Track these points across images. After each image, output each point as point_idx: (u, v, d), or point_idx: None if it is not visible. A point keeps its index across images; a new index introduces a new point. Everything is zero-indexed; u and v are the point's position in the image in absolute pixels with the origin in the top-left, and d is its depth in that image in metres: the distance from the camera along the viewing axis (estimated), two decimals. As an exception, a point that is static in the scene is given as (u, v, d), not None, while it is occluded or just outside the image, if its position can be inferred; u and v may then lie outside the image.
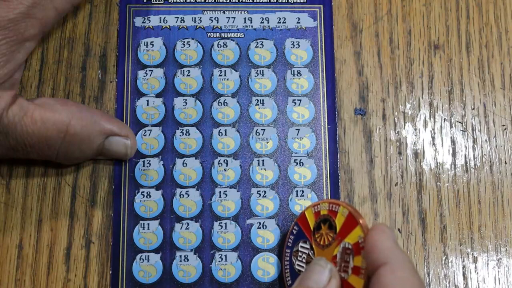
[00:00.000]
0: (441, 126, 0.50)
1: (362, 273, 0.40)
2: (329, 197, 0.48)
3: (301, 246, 0.45)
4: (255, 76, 0.50)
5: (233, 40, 0.51)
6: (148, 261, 0.47)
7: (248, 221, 0.48)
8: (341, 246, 0.42)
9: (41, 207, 0.48)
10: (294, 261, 0.45)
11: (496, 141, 0.50)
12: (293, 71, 0.51)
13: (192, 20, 0.51)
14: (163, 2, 0.51)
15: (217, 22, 0.51)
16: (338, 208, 0.43)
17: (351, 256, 0.42)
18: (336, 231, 0.43)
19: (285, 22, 0.51)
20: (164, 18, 0.51)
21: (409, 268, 0.39)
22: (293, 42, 0.51)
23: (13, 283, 0.46)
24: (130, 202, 0.48)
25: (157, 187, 0.48)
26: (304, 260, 0.44)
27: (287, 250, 0.46)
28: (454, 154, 0.50)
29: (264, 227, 0.48)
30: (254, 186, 0.49)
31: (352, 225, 0.42)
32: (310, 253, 0.44)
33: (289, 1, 0.52)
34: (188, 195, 0.48)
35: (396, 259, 0.39)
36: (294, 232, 0.46)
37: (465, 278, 0.48)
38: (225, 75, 0.50)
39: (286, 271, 0.45)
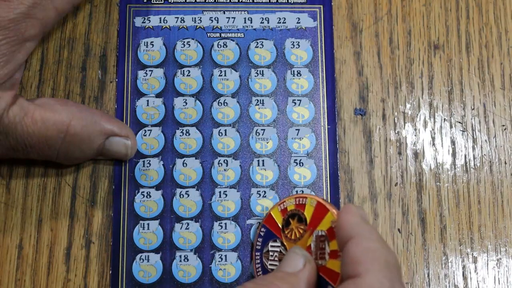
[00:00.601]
0: (441, 126, 0.50)
1: (340, 255, 0.40)
2: (329, 198, 0.48)
3: (271, 246, 0.45)
4: (255, 76, 0.50)
5: (233, 40, 0.51)
6: (148, 261, 0.47)
7: (248, 221, 0.48)
8: (314, 235, 0.43)
9: (41, 207, 0.48)
10: (265, 262, 0.45)
11: (496, 141, 0.50)
12: (293, 71, 0.51)
13: (192, 20, 0.51)
14: (163, 2, 0.51)
15: (217, 22, 0.51)
16: (305, 200, 0.44)
17: (326, 242, 0.42)
18: (307, 222, 0.43)
19: (285, 22, 0.51)
20: (164, 18, 0.51)
21: (375, 239, 0.39)
22: (293, 42, 0.51)
23: (13, 283, 0.47)
24: (130, 202, 0.48)
25: (157, 187, 0.48)
26: (276, 258, 0.44)
27: (256, 254, 0.46)
28: (454, 154, 0.50)
29: (264, 227, 0.48)
30: (254, 186, 0.49)
31: (323, 212, 0.43)
32: (281, 250, 0.44)
33: (289, 1, 0.52)
34: (188, 195, 0.48)
35: (361, 232, 0.39)
36: (262, 234, 0.46)
37: (465, 278, 0.48)
38: (225, 75, 0.50)
39: (258, 274, 0.45)
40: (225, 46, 0.51)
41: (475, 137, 0.50)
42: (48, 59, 0.50)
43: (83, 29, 0.51)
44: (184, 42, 0.51)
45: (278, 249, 0.45)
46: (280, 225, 0.45)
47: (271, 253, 0.45)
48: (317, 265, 0.42)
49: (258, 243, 0.46)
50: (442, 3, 0.52)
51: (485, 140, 0.50)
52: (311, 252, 0.42)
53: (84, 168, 0.48)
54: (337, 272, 0.41)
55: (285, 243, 0.44)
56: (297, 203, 0.44)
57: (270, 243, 0.45)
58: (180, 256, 0.47)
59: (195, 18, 0.51)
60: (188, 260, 0.47)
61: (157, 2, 0.51)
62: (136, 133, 0.49)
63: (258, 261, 0.45)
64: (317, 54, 0.51)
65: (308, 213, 0.43)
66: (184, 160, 0.49)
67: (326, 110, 0.50)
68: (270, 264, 0.45)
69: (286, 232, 0.44)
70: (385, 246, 0.39)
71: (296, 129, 0.50)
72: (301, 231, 0.43)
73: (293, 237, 0.44)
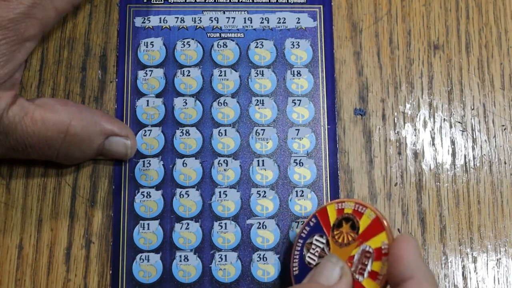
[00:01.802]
0: (440, 126, 0.50)
1: (379, 278, 0.41)
2: (329, 197, 0.48)
3: (316, 239, 0.45)
4: (255, 76, 0.50)
5: (233, 40, 0.51)
6: (148, 261, 0.47)
7: (248, 221, 0.48)
8: (361, 248, 0.42)
9: (41, 207, 0.48)
10: (305, 252, 0.45)
11: (495, 141, 0.50)
12: (293, 71, 0.51)
13: (192, 20, 0.51)
14: (163, 2, 0.51)
15: (217, 22, 0.51)
16: (364, 210, 0.43)
17: (370, 260, 0.41)
18: (358, 232, 0.43)
19: (285, 22, 0.51)
20: (164, 18, 0.51)
21: (432, 282, 0.39)
22: (293, 42, 0.51)
23: (13, 283, 0.47)
24: (130, 202, 0.48)
25: (157, 187, 0.48)
26: (317, 254, 0.44)
27: (299, 241, 0.45)
28: (453, 154, 0.50)
29: (264, 227, 0.48)
30: (254, 186, 0.49)
31: (377, 229, 0.42)
32: (325, 248, 0.44)
33: (289, 1, 0.52)
34: (188, 195, 0.48)
35: (422, 274, 0.39)
36: (311, 224, 0.45)
37: (464, 278, 0.48)
38: (225, 75, 0.50)
39: (294, 260, 0.45)
40: (225, 46, 0.51)
41: (474, 137, 0.50)
42: (48, 59, 0.50)
43: (83, 29, 0.51)
44: (184, 42, 0.51)
45: (321, 246, 0.44)
46: (331, 223, 0.44)
47: (313, 246, 0.44)
48: (353, 279, 0.41)
49: (304, 231, 0.45)
50: (442, 3, 0.52)
51: (485, 140, 0.50)
52: (352, 263, 0.42)
53: (84, 168, 0.48)
54: None
55: (330, 243, 0.44)
56: (355, 209, 0.43)
57: (316, 237, 0.45)
58: (180, 256, 0.47)
59: (195, 18, 0.51)
60: (188, 260, 0.47)
61: (157, 2, 0.51)
62: (136, 133, 0.49)
63: (299, 248, 0.45)
64: (317, 54, 0.51)
65: (363, 224, 0.43)
66: (184, 160, 0.49)
67: (326, 110, 0.50)
68: (309, 257, 0.44)
69: (335, 233, 0.44)
70: None
71: (296, 129, 0.50)
72: (350, 238, 0.43)
73: (340, 241, 0.43)
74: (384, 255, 0.41)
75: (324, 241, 0.44)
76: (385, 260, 0.41)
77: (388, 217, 0.48)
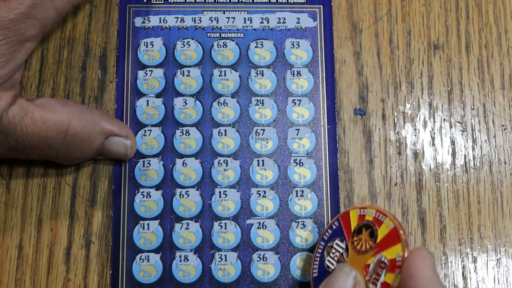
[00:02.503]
0: (440, 126, 0.50)
1: None
2: (329, 197, 0.48)
3: (337, 244, 0.45)
4: (255, 76, 0.50)
5: (233, 40, 0.51)
6: (148, 261, 0.47)
7: (248, 221, 0.48)
8: (377, 258, 0.42)
9: (41, 207, 0.48)
10: (325, 256, 0.45)
11: (495, 141, 0.50)
12: (293, 71, 0.51)
13: (192, 20, 0.51)
14: (163, 2, 0.51)
15: (217, 22, 0.51)
16: (384, 218, 0.43)
17: (384, 270, 0.41)
18: (376, 241, 0.42)
19: (285, 22, 0.51)
20: (164, 18, 0.51)
21: None
22: (293, 42, 0.51)
23: (13, 283, 0.47)
24: (130, 202, 0.48)
25: (157, 187, 0.48)
26: (336, 258, 0.44)
27: (321, 243, 0.45)
28: (453, 154, 0.50)
29: (264, 227, 0.48)
30: (254, 186, 0.49)
31: (394, 240, 0.41)
32: (344, 254, 0.44)
33: (289, 1, 0.52)
34: (188, 195, 0.48)
35: None
36: (334, 227, 0.45)
37: (464, 278, 0.48)
38: (225, 75, 0.50)
39: (315, 262, 0.45)
40: (225, 46, 0.51)
41: (474, 137, 0.50)
42: (48, 59, 0.50)
43: (83, 29, 0.51)
44: (184, 42, 0.51)
45: (341, 251, 0.44)
46: (352, 229, 0.44)
47: (333, 250, 0.44)
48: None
49: (327, 234, 0.45)
50: (442, 3, 0.52)
51: (485, 140, 0.50)
52: (367, 271, 0.42)
53: (84, 168, 0.48)
54: None
55: (349, 249, 0.44)
56: (375, 216, 0.43)
57: (337, 241, 0.45)
58: (180, 256, 0.47)
59: (195, 18, 0.51)
60: (188, 260, 0.47)
61: (157, 2, 0.51)
62: (136, 133, 0.49)
63: (320, 250, 0.45)
64: (317, 54, 0.51)
65: (381, 233, 0.42)
66: (184, 160, 0.49)
67: (326, 110, 0.50)
68: (328, 260, 0.44)
69: (354, 239, 0.44)
70: None
71: (296, 129, 0.50)
72: (368, 246, 0.43)
73: (358, 247, 0.43)
74: (398, 267, 0.40)
75: (343, 246, 0.44)
76: (397, 273, 0.40)
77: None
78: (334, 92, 0.50)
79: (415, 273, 0.39)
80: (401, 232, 0.42)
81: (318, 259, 0.45)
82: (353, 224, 0.44)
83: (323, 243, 0.45)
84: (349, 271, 0.41)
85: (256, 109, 0.50)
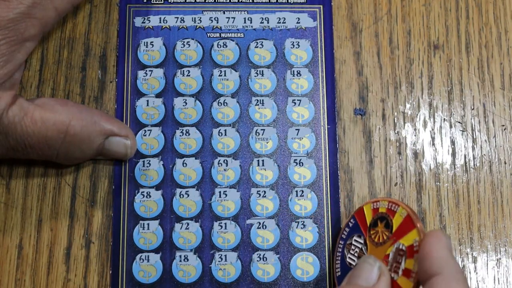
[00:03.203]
0: (440, 126, 0.50)
1: (412, 276, 0.41)
2: (329, 197, 0.48)
3: (355, 240, 0.45)
4: (255, 76, 0.50)
5: (233, 40, 0.51)
6: (148, 261, 0.47)
7: (248, 221, 0.48)
8: (395, 247, 0.42)
9: (41, 207, 0.48)
10: (346, 253, 0.45)
11: (495, 141, 0.50)
12: (293, 71, 0.51)
13: (192, 20, 0.51)
14: (163, 2, 0.51)
15: (217, 22, 0.51)
16: (397, 208, 0.43)
17: (403, 257, 0.42)
18: (392, 230, 0.43)
19: (285, 22, 0.51)
20: (164, 18, 0.51)
21: (462, 281, 0.39)
22: (293, 42, 0.51)
23: (13, 283, 0.47)
24: (130, 202, 0.48)
25: (157, 187, 0.48)
26: (356, 254, 0.45)
27: (340, 242, 0.46)
28: (453, 154, 0.50)
29: (264, 227, 0.48)
30: (254, 186, 0.49)
31: (409, 227, 0.42)
32: (363, 248, 0.44)
33: (289, 1, 0.52)
34: (188, 195, 0.48)
35: (450, 270, 0.39)
36: (350, 225, 0.46)
37: (464, 278, 0.48)
38: (225, 75, 0.50)
39: (336, 262, 0.46)
40: (225, 46, 0.51)
41: (474, 137, 0.50)
42: (48, 59, 0.50)
43: (83, 29, 0.51)
44: (184, 42, 0.51)
45: (360, 246, 0.45)
46: (368, 223, 0.45)
47: (353, 247, 0.45)
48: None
49: (344, 232, 0.46)
50: (442, 3, 0.52)
51: (485, 140, 0.50)
52: (387, 261, 0.42)
53: (84, 168, 0.48)
54: None
55: (367, 243, 0.44)
56: (388, 207, 0.44)
57: (355, 237, 0.45)
58: (180, 256, 0.47)
59: (195, 18, 0.51)
60: (188, 260, 0.47)
61: (157, 2, 0.51)
62: (136, 133, 0.49)
63: (340, 250, 0.46)
64: (317, 54, 0.51)
65: (396, 222, 0.43)
66: (184, 160, 0.49)
67: (326, 110, 0.50)
68: (349, 258, 0.45)
69: (371, 232, 0.44)
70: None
71: (296, 129, 0.50)
72: (385, 237, 0.43)
73: (376, 240, 0.44)
74: (416, 252, 0.41)
75: (362, 241, 0.45)
76: (416, 258, 0.41)
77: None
78: (334, 92, 0.50)
79: (430, 254, 0.39)
80: (415, 218, 0.42)
81: (339, 258, 0.45)
82: (368, 218, 0.45)
83: (342, 242, 0.46)
84: (374, 262, 0.42)
85: (256, 109, 0.50)
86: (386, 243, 0.43)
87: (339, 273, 0.45)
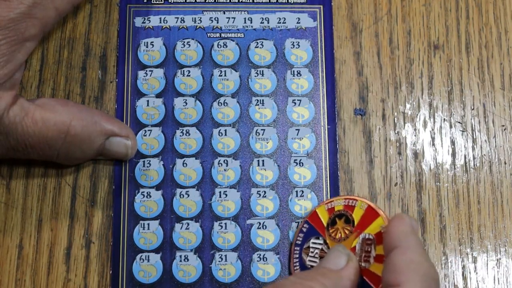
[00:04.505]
0: (440, 127, 0.50)
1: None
2: (329, 197, 0.48)
3: (313, 243, 0.45)
4: (255, 76, 0.50)
5: (233, 40, 0.51)
6: (148, 261, 0.47)
7: (248, 221, 0.48)
8: (361, 238, 0.43)
9: (41, 207, 0.48)
10: (305, 258, 0.45)
11: (495, 142, 0.50)
12: (293, 71, 0.51)
13: (192, 20, 0.51)
14: (163, 2, 0.51)
15: (217, 22, 0.51)
16: (355, 202, 0.44)
17: (372, 245, 0.42)
18: (354, 224, 0.44)
19: (285, 22, 0.51)
20: (164, 18, 0.51)
21: (420, 252, 0.40)
22: (293, 42, 0.51)
23: (13, 283, 0.47)
24: (130, 202, 0.48)
25: (157, 187, 0.48)
26: (317, 255, 0.45)
27: (296, 248, 0.46)
28: (453, 154, 0.50)
29: (264, 227, 0.48)
30: (254, 186, 0.49)
31: (373, 216, 0.43)
32: (323, 248, 0.45)
33: (289, 1, 0.52)
34: (188, 195, 0.48)
35: (408, 242, 0.40)
36: (304, 230, 0.46)
37: (464, 278, 0.48)
38: (225, 75, 0.50)
39: (295, 269, 0.46)
40: (225, 46, 0.51)
41: (474, 137, 0.50)
42: (48, 59, 0.50)
43: (83, 29, 0.51)
44: (184, 42, 0.51)
45: (319, 247, 0.45)
46: (325, 224, 0.45)
47: (311, 250, 0.45)
48: (360, 267, 0.42)
49: (299, 238, 0.46)
50: (442, 3, 0.52)
51: (485, 140, 0.50)
52: (355, 253, 0.43)
53: (84, 168, 0.48)
54: (380, 276, 0.41)
55: (328, 242, 0.45)
56: (346, 204, 0.45)
57: (312, 240, 0.45)
58: (180, 256, 0.47)
59: (195, 18, 0.51)
60: (188, 260, 0.47)
61: (157, 2, 0.51)
62: (136, 133, 0.49)
63: (297, 256, 0.46)
64: (317, 54, 0.51)
65: (356, 215, 0.44)
66: (184, 160, 0.49)
67: (326, 110, 0.50)
68: (309, 260, 0.45)
69: (330, 231, 0.45)
70: (428, 260, 0.40)
71: (296, 129, 0.50)
72: (347, 232, 0.44)
73: (337, 237, 0.44)
74: None
75: (321, 241, 0.45)
76: None
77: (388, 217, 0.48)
78: (334, 92, 0.50)
79: (391, 231, 0.41)
80: (376, 207, 0.43)
81: (297, 264, 0.45)
82: (324, 219, 0.45)
83: (298, 248, 0.46)
84: (343, 250, 0.43)
85: (256, 109, 0.50)
86: (349, 238, 0.44)
87: None
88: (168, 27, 0.51)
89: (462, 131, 0.50)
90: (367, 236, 0.43)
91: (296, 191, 0.49)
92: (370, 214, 0.43)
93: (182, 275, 0.47)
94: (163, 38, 0.51)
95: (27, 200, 0.48)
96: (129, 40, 0.51)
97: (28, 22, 0.43)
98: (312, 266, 0.45)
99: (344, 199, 0.45)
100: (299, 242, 0.46)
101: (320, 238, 0.45)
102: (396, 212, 0.49)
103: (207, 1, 0.52)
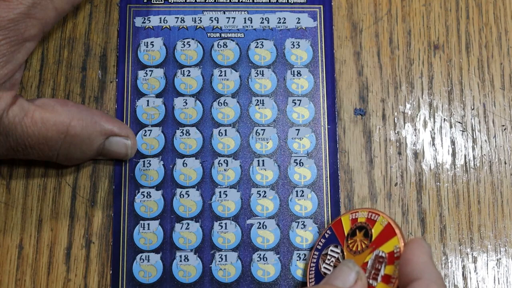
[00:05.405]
0: (440, 126, 0.50)
1: (392, 282, 0.41)
2: (329, 197, 0.48)
3: (331, 250, 0.45)
4: (255, 76, 0.50)
5: (233, 40, 0.51)
6: (148, 261, 0.47)
7: (248, 221, 0.48)
8: (374, 254, 0.43)
9: (41, 207, 0.48)
10: (321, 263, 0.45)
11: (495, 141, 0.50)
12: (293, 71, 0.51)
13: (192, 20, 0.51)
14: (163, 2, 0.51)
15: (217, 22, 0.51)
16: (377, 217, 0.44)
17: (383, 264, 0.42)
18: (371, 239, 0.43)
19: (285, 22, 0.51)
20: (164, 18, 0.51)
21: (442, 286, 0.39)
22: (293, 42, 0.51)
23: (13, 283, 0.47)
24: (130, 202, 0.48)
25: (157, 187, 0.48)
26: (332, 264, 0.45)
27: (315, 252, 0.46)
28: (453, 154, 0.50)
29: (264, 227, 0.48)
30: (254, 186, 0.49)
31: (390, 234, 0.43)
32: (339, 258, 0.45)
33: (289, 1, 0.52)
34: (188, 195, 0.48)
35: (430, 275, 0.39)
36: (326, 236, 0.46)
37: (464, 278, 0.48)
38: (225, 75, 0.50)
39: (310, 272, 0.46)
40: (225, 46, 0.51)
41: (475, 137, 0.50)
42: (48, 59, 0.50)
43: (83, 29, 0.51)
44: (184, 42, 0.51)
45: (336, 256, 0.45)
46: (345, 233, 0.45)
47: (328, 257, 0.45)
48: (368, 284, 0.42)
49: (320, 243, 0.46)
50: (442, 3, 0.52)
51: (485, 140, 0.50)
52: (366, 269, 0.43)
53: (84, 168, 0.48)
54: None
55: (344, 252, 0.45)
56: (368, 217, 0.44)
57: (331, 247, 0.45)
58: (180, 256, 0.47)
59: (195, 18, 0.51)
60: (188, 260, 0.47)
61: (157, 2, 0.51)
62: (136, 133, 0.49)
63: (315, 260, 0.46)
64: (317, 54, 0.51)
65: (375, 231, 0.44)
66: (184, 160, 0.49)
67: (326, 110, 0.50)
68: (324, 267, 0.45)
69: (349, 242, 0.45)
70: None
71: (296, 129, 0.50)
72: (363, 245, 0.44)
73: (354, 249, 0.44)
74: (397, 258, 0.42)
75: (339, 251, 0.45)
76: (397, 264, 0.41)
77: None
78: (334, 92, 0.50)
79: (411, 259, 0.40)
80: (395, 226, 0.43)
81: (313, 268, 0.46)
82: (346, 228, 0.45)
83: (317, 253, 0.46)
84: (353, 266, 0.42)
85: (256, 109, 0.50)
86: (364, 252, 0.43)
87: (314, 283, 0.45)
88: (168, 27, 0.51)
89: (462, 131, 0.50)
90: (380, 254, 0.43)
91: (296, 191, 0.49)
92: (388, 232, 0.43)
93: (182, 275, 0.47)
94: (163, 38, 0.51)
95: (27, 200, 0.48)
96: (129, 40, 0.51)
97: (27, 22, 0.43)
98: (325, 274, 0.45)
99: (368, 211, 0.45)
100: (319, 247, 0.46)
101: (339, 247, 0.45)
102: (396, 212, 0.49)
103: (207, 1, 0.52)
